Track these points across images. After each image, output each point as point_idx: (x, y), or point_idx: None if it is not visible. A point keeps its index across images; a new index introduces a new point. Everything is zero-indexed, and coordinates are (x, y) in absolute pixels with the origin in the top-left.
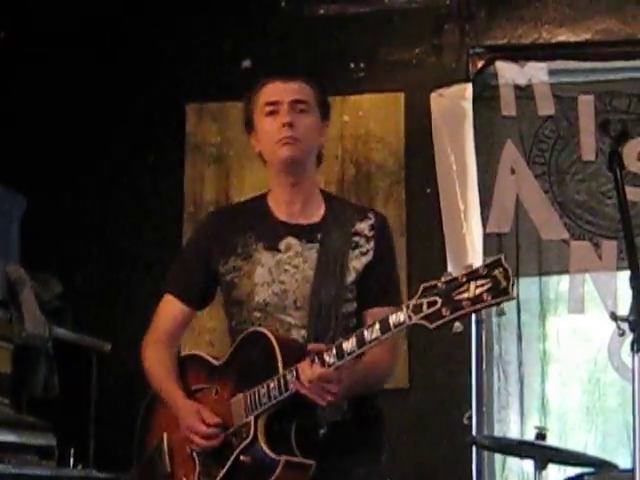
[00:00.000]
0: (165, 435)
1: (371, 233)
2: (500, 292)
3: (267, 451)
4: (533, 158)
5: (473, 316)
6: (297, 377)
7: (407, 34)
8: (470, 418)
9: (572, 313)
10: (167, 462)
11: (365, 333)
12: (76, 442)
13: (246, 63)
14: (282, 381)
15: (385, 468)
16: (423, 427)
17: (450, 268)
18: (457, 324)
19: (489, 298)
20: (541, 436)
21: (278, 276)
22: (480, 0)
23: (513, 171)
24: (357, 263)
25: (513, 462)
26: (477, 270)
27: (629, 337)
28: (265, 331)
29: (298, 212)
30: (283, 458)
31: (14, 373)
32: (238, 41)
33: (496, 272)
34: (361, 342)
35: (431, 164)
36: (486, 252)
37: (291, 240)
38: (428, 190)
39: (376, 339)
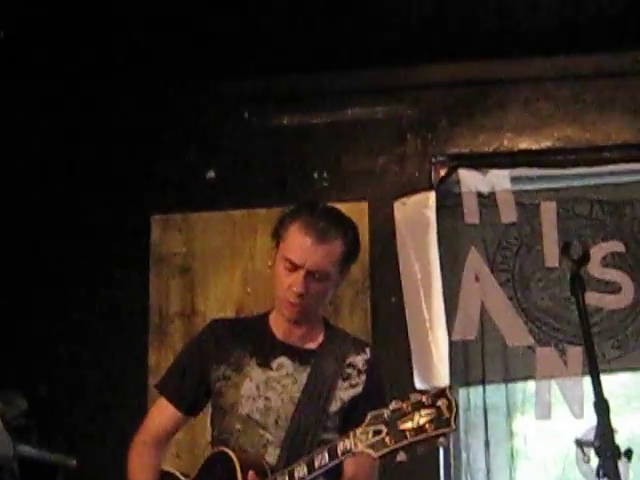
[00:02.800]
0: None
1: (364, 367)
2: (442, 423)
3: None
4: (497, 265)
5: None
6: None
7: (370, 144)
8: None
9: (539, 419)
10: None
11: (314, 459)
12: None
13: (210, 174)
14: None
15: None
16: None
17: (416, 377)
18: (401, 453)
19: (431, 429)
20: None
21: (265, 392)
22: (442, 109)
23: (477, 278)
24: (344, 394)
25: None
26: (422, 400)
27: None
28: (229, 452)
29: (297, 336)
30: None
31: None
32: (202, 152)
33: (440, 403)
34: (311, 468)
35: (396, 273)
36: (452, 360)
37: (284, 360)
38: (393, 299)
39: (324, 465)
